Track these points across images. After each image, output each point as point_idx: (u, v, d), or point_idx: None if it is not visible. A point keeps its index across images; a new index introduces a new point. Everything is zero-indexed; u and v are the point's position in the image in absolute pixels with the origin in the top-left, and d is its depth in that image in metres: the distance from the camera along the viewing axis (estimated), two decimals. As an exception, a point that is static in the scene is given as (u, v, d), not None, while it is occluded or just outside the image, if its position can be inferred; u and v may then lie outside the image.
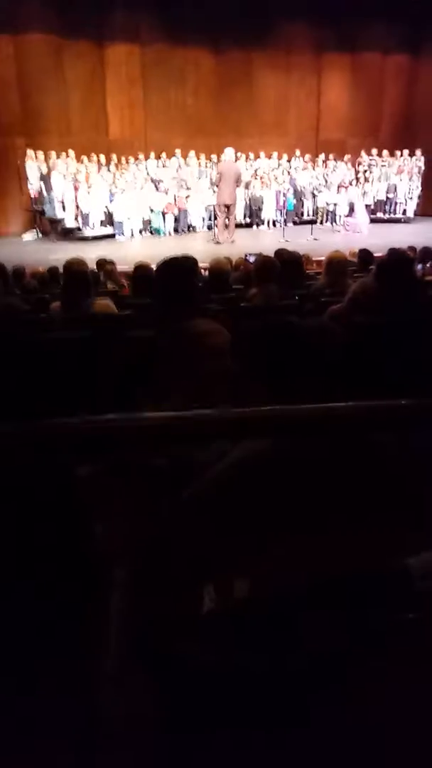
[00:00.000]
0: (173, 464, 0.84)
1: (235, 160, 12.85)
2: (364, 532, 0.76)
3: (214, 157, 14.60)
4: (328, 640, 0.69)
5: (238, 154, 15.15)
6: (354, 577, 0.76)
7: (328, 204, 15.22)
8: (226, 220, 12.34)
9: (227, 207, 12.19)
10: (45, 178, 13.60)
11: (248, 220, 15.18)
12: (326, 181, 15.44)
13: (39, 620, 0.80)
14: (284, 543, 0.76)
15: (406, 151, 15.95)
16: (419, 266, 6.52)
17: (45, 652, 0.80)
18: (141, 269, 6.45)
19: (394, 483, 0.79)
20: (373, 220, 15.13)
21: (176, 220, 14.34)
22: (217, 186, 12.35)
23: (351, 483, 0.78)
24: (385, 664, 0.67)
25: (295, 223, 15.13)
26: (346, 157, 15.98)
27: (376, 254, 7.09)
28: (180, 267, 2.12)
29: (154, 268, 2.31)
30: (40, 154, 13.69)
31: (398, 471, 0.80)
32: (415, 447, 0.82)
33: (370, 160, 16.01)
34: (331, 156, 15.94)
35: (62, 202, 13.52)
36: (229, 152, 12.50)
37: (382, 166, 15.90)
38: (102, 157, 14.20)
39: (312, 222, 14.86)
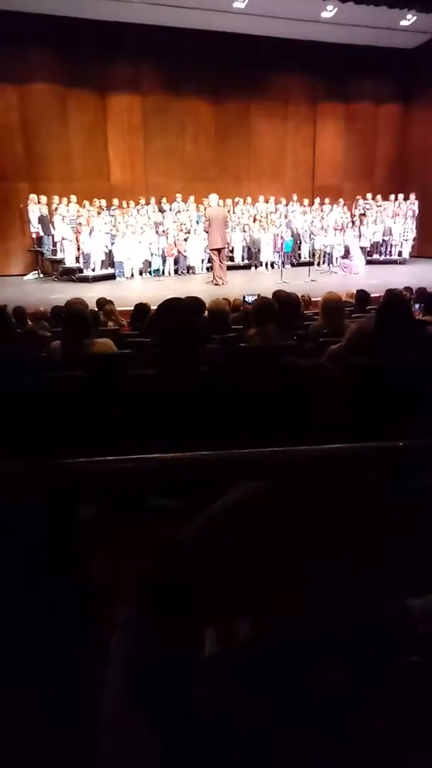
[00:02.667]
0: (176, 505, 0.84)
1: (223, 206, 13.28)
2: (363, 575, 0.76)
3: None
4: (331, 683, 0.68)
5: (236, 199, 15.59)
6: (355, 620, 0.75)
7: (324, 246, 15.52)
8: (220, 262, 12.65)
9: (218, 251, 12.53)
10: (46, 221, 13.93)
11: (247, 261, 15.47)
12: (322, 225, 15.79)
13: (37, 660, 0.78)
14: (283, 586, 0.75)
15: (400, 195, 16.41)
16: (416, 306, 6.60)
17: (42, 695, 0.78)
18: (141, 309, 6.54)
19: (393, 524, 0.79)
20: (369, 262, 15.42)
21: (176, 261, 14.62)
22: (206, 231, 12.67)
23: (350, 525, 0.78)
24: (388, 706, 0.66)
25: (292, 264, 15.39)
26: (341, 201, 16.40)
27: (373, 295, 7.20)
28: (182, 307, 2.16)
29: (154, 309, 2.35)
30: (43, 198, 14.06)
31: (397, 512, 0.80)
32: (413, 488, 0.82)
33: (365, 203, 16.43)
34: (326, 200, 16.36)
35: (62, 244, 13.83)
36: (213, 198, 12.90)
37: (378, 206, 16.31)
38: (103, 202, 14.55)
39: (309, 264, 15.13)
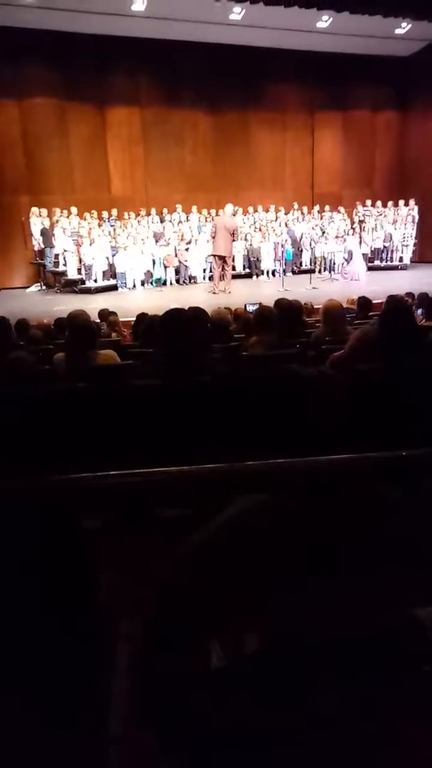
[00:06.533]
0: (179, 516, 0.84)
1: (233, 215, 13.35)
2: (369, 585, 0.75)
3: (213, 212, 15.09)
4: (339, 694, 0.67)
5: (236, 208, 15.65)
6: (364, 630, 0.75)
7: (325, 254, 15.55)
8: (222, 271, 12.67)
9: (223, 259, 12.54)
10: (48, 234, 14.01)
11: (248, 270, 15.51)
12: (323, 232, 15.83)
13: (43, 673, 0.78)
14: (288, 598, 0.75)
15: (400, 201, 16.47)
16: (418, 311, 6.60)
17: (48, 707, 0.78)
18: (142, 319, 6.56)
19: (397, 534, 0.78)
20: (371, 268, 15.45)
21: (177, 271, 14.67)
22: (212, 238, 12.77)
23: (354, 535, 0.77)
24: (399, 717, 0.66)
25: (293, 272, 15.42)
26: (341, 208, 16.46)
27: (375, 301, 7.21)
28: (184, 318, 2.16)
29: (157, 318, 2.36)
30: (44, 210, 14.15)
31: (401, 522, 0.80)
32: (417, 497, 0.82)
33: (365, 210, 16.48)
34: (327, 208, 16.42)
35: (64, 256, 13.91)
36: (228, 208, 12.98)
37: (378, 215, 16.35)
38: (104, 213, 14.63)
39: (310, 271, 15.16)
